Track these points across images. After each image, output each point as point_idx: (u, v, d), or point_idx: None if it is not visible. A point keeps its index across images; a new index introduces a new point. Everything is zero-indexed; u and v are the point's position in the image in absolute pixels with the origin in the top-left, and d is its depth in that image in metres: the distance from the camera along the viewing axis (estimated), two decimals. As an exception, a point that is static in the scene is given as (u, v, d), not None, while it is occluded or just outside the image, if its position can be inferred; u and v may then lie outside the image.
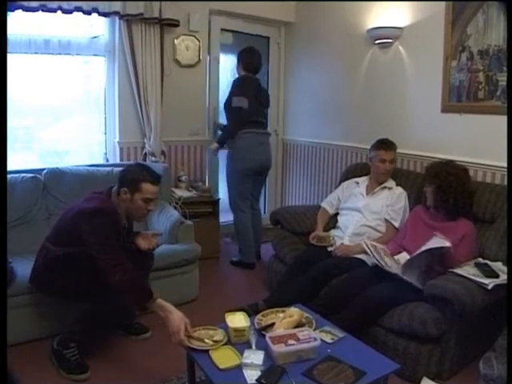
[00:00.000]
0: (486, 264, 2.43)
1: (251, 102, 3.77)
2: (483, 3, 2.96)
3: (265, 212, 5.00)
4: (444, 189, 2.60)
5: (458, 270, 2.37)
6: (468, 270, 2.38)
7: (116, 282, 2.20)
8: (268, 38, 5.01)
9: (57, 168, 3.36)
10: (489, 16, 2.95)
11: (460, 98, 3.18)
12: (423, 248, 2.39)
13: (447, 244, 2.35)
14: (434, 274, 2.43)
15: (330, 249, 3.07)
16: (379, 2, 3.69)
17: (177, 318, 2.09)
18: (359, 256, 2.88)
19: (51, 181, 3.27)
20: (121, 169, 2.65)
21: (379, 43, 3.72)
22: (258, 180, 4.06)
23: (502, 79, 2.91)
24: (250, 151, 3.83)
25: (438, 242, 2.38)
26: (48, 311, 2.70)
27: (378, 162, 3.17)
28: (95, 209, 2.39)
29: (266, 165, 4.01)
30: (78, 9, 3.51)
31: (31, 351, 2.60)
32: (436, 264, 2.46)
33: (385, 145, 3.18)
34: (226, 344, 1.95)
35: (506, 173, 2.91)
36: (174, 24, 4.01)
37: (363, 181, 3.29)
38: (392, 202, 3.08)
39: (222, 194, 4.55)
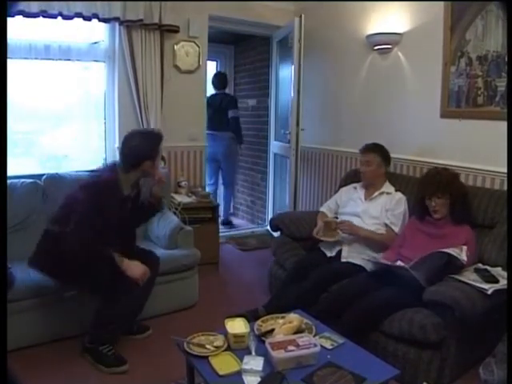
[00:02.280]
0: (486, 269, 2.43)
1: (209, 114, 5.00)
2: (482, 9, 2.97)
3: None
4: (456, 199, 2.63)
5: (458, 276, 2.37)
6: (468, 276, 2.38)
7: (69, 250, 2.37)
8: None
9: (56, 173, 3.35)
10: (487, 22, 2.96)
11: (459, 103, 3.19)
12: (443, 250, 2.41)
13: (464, 258, 2.38)
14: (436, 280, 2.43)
15: (329, 254, 3.07)
16: (380, 2, 3.72)
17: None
18: (358, 262, 2.89)
19: (51, 186, 3.26)
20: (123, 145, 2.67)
21: (378, 49, 3.73)
22: (221, 167, 5.62)
23: (501, 85, 2.91)
24: (208, 145, 4.84)
25: (456, 251, 2.40)
26: (48, 316, 2.71)
27: (360, 166, 3.26)
28: (92, 181, 2.57)
29: (216, 155, 5.42)
30: (79, 14, 3.51)
31: (32, 356, 2.60)
32: (443, 271, 2.45)
33: (362, 148, 3.25)
34: (225, 350, 1.94)
35: (505, 178, 2.91)
36: (174, 30, 4.02)
37: (361, 186, 3.28)
38: (391, 206, 3.07)
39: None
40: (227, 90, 5.71)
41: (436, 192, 2.65)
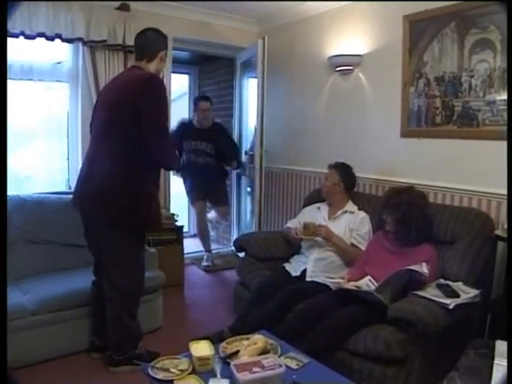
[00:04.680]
0: (447, 285, 2.47)
1: None
2: (438, 32, 3.08)
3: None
4: (406, 221, 2.67)
5: (420, 292, 2.40)
6: (430, 291, 2.42)
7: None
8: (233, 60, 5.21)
9: (17, 195, 3.28)
10: (444, 44, 3.08)
11: (419, 122, 3.28)
12: (404, 268, 2.43)
13: (426, 271, 2.41)
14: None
15: (293, 274, 3.07)
16: (341, 24, 3.80)
17: None
18: (323, 281, 2.91)
19: (12, 208, 3.18)
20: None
21: (340, 70, 3.81)
22: None
23: (458, 104, 3.02)
24: None
25: (417, 267, 2.43)
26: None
27: None
28: (152, 75, 2.59)
29: None
30: (41, 34, 3.50)
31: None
32: (406, 287, 2.48)
33: (330, 165, 3.31)
34: (190, 373, 1.91)
35: (463, 194, 3.01)
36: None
37: (325, 206, 3.31)
38: (356, 226, 3.10)
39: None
40: None
41: (383, 208, 2.82)
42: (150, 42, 2.66)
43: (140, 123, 2.41)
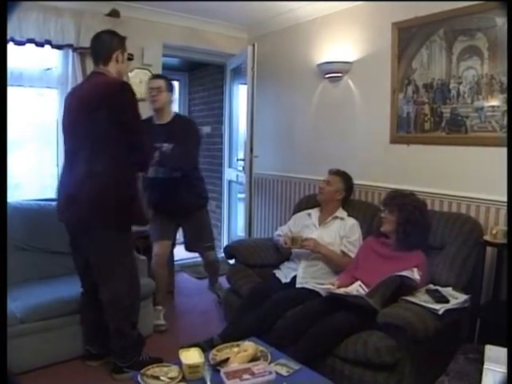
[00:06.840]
0: (437, 290, 2.48)
1: None
2: (426, 39, 3.11)
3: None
4: (409, 222, 2.68)
5: (410, 297, 2.41)
6: (419, 297, 2.42)
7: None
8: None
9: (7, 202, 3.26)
10: (432, 51, 3.11)
11: (408, 129, 3.30)
12: (395, 274, 2.43)
13: (417, 277, 2.42)
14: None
15: (284, 280, 3.06)
16: (331, 31, 3.83)
17: None
18: (313, 287, 2.91)
19: (0, 216, 3.16)
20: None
21: (329, 77, 3.83)
22: None
23: (446, 111, 3.05)
24: None
25: (409, 273, 2.43)
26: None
27: (321, 183, 3.31)
28: (122, 81, 2.61)
29: None
30: (31, 40, 3.49)
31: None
32: (396, 293, 2.49)
33: (332, 169, 3.32)
34: (180, 381, 1.91)
35: (452, 200, 3.04)
36: (128, 58, 3.94)
37: (315, 212, 3.30)
38: (346, 233, 3.10)
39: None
40: None
41: (385, 206, 2.80)
42: (103, 44, 2.61)
43: (116, 126, 2.42)
